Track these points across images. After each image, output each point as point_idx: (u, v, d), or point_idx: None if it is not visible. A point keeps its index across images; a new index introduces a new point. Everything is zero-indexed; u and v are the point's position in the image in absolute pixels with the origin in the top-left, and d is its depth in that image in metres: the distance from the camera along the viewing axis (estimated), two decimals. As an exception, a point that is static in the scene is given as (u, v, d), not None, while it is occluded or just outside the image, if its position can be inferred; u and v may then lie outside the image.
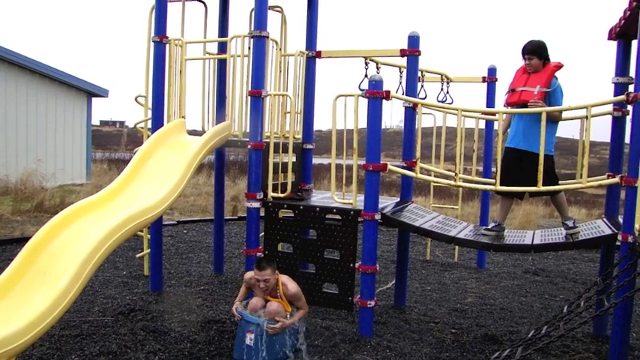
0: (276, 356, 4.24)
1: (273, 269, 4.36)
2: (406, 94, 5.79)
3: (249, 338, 4.20)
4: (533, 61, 5.06)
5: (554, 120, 4.97)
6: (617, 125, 5.09)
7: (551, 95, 4.98)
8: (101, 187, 4.90)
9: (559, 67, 5.04)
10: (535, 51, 5.05)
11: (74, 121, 16.80)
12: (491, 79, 7.75)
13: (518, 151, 5.07)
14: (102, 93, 17.65)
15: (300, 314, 4.44)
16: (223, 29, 6.58)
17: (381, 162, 4.87)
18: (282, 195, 5.47)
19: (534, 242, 4.90)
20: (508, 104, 5.18)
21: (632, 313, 4.40)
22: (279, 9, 6.19)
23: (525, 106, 4.97)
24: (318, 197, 5.99)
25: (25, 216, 10.26)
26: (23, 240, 7.23)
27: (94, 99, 17.69)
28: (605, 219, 5.21)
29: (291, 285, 4.45)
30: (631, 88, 4.75)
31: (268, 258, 4.77)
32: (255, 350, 4.18)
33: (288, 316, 4.35)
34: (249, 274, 4.59)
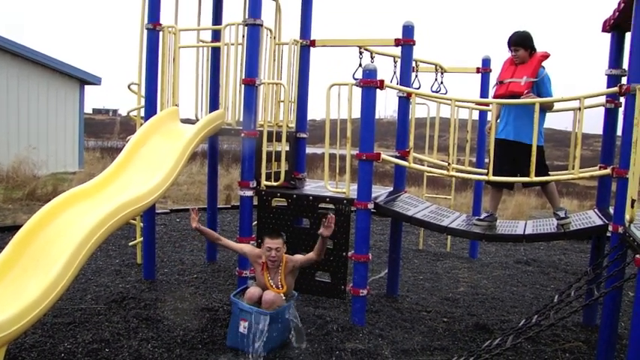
0: (273, 344, 4.26)
1: (283, 241, 4.45)
2: (400, 84, 5.79)
3: (243, 326, 4.21)
4: (519, 52, 5.05)
5: (544, 109, 4.99)
6: (610, 117, 5.11)
7: (540, 84, 4.98)
8: (94, 176, 4.88)
9: (546, 56, 5.04)
10: (521, 42, 5.05)
11: (66, 109, 16.69)
12: (485, 69, 7.75)
13: (509, 142, 5.07)
14: (95, 81, 17.54)
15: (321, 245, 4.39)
16: (217, 17, 6.54)
17: (375, 151, 4.87)
18: (275, 184, 5.48)
19: (526, 232, 4.93)
20: (496, 97, 5.18)
21: (621, 302, 4.44)
22: (273, -3, 6.16)
23: (513, 97, 4.97)
24: (312, 186, 6.00)
25: (16, 204, 10.21)
26: (15, 228, 7.18)
27: (86, 87, 17.58)
28: (596, 210, 5.24)
29: (291, 256, 4.54)
30: (624, 80, 4.77)
31: (278, 231, 4.80)
32: (250, 338, 4.19)
33: (284, 301, 4.40)
34: (251, 247, 4.69)
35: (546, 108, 4.99)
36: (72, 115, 16.97)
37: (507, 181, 5.01)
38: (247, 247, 4.72)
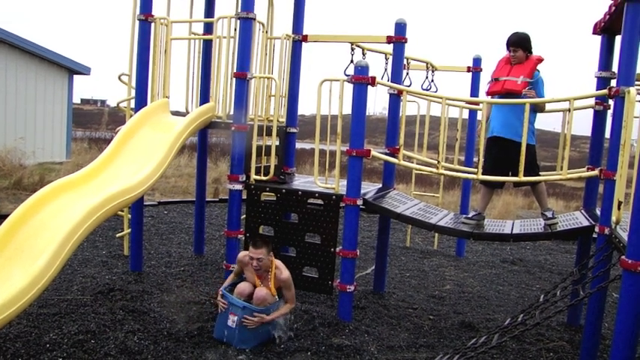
0: (259, 338, 4.27)
1: (268, 250, 4.36)
2: (391, 81, 5.80)
3: (232, 320, 4.20)
4: (517, 53, 5.10)
5: (537, 110, 5.04)
6: (599, 119, 5.15)
7: (534, 86, 5.03)
8: (81, 166, 4.85)
9: (541, 60, 5.10)
10: (520, 43, 5.10)
11: (55, 98, 16.53)
12: (476, 69, 7.78)
13: (500, 140, 5.10)
14: (84, 70, 17.38)
15: (285, 309, 4.37)
16: (210, 9, 6.51)
17: (364, 148, 4.88)
18: (264, 178, 5.47)
19: (514, 232, 4.96)
20: (490, 93, 5.21)
21: (605, 303, 4.48)
22: (266, -9, 6.13)
23: (508, 95, 5.01)
24: (301, 181, 6.00)
25: (2, 193, 10.11)
26: (1, 217, 7.13)
27: (75, 76, 17.41)
28: (583, 211, 5.28)
29: (285, 271, 4.43)
30: (613, 82, 4.80)
31: (265, 238, 4.73)
32: (237, 332, 4.18)
33: (276, 298, 4.40)
34: (243, 253, 4.57)
35: (538, 109, 5.04)
36: (60, 104, 16.81)
37: (497, 180, 5.04)
38: (238, 263, 4.59)
